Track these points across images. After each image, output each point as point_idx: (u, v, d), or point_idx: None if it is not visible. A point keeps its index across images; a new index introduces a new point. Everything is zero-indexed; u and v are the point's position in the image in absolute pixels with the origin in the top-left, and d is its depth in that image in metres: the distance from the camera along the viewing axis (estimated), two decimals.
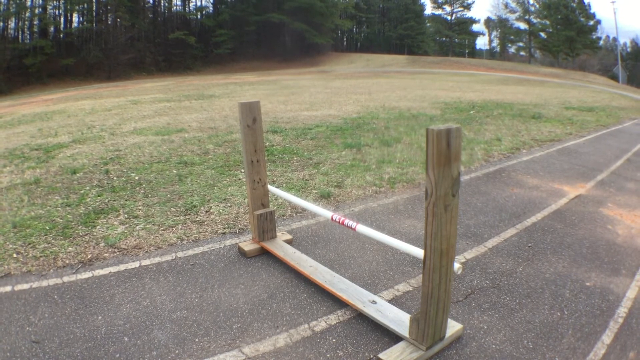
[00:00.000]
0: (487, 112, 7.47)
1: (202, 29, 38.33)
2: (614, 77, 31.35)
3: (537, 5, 42.44)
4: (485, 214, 2.90)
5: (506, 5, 45.60)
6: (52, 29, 32.24)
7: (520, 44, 46.82)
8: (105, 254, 2.27)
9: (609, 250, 2.41)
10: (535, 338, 1.64)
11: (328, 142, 4.78)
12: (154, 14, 37.77)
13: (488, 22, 51.47)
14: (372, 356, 1.54)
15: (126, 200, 3.03)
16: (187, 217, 2.75)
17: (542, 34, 42.36)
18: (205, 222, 2.68)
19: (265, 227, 2.31)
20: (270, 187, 2.34)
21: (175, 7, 39.84)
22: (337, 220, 1.84)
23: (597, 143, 5.42)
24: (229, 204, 2.96)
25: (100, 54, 30.45)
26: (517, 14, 44.88)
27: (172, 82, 19.80)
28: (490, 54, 50.84)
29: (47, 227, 2.58)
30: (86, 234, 2.50)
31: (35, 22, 30.81)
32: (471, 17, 52.67)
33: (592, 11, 39.88)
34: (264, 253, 2.29)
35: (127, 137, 5.14)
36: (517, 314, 1.79)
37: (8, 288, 1.96)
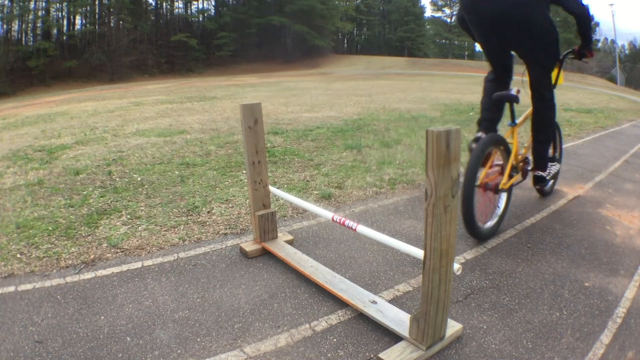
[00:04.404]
0: None
1: (204, 31, 38.50)
2: (612, 79, 31.36)
3: None
4: None
5: None
6: (55, 31, 32.42)
7: None
8: (108, 255, 2.29)
9: (607, 250, 2.42)
10: (534, 338, 1.65)
11: (329, 144, 4.80)
12: (156, 17, 37.95)
13: None
14: (372, 356, 1.55)
15: (129, 201, 3.05)
16: (189, 217, 2.77)
17: None
18: (207, 223, 2.69)
19: (267, 227, 2.33)
20: (272, 188, 2.35)
21: (177, 10, 40.05)
22: (338, 221, 1.85)
23: (595, 144, 5.43)
24: (230, 205, 2.98)
25: (103, 56, 30.60)
26: None
27: (174, 84, 19.86)
28: None
29: (51, 228, 2.60)
30: (89, 235, 2.52)
31: (38, 25, 30.99)
32: None
33: (590, 14, 39.89)
34: (266, 253, 2.30)
35: (130, 139, 5.17)
36: (517, 314, 1.80)
37: (11, 288, 1.98)
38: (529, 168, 2.79)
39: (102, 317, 1.77)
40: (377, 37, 51.39)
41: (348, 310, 1.81)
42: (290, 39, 39.08)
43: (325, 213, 2.00)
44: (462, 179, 1.93)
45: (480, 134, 2.48)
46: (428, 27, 52.26)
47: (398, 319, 1.67)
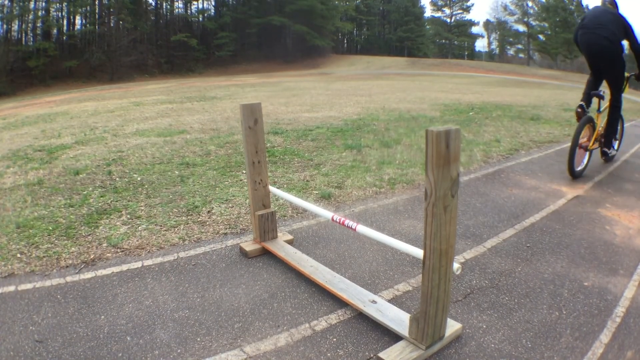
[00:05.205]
0: (486, 113, 7.49)
1: (204, 31, 38.47)
2: None
3: (536, 8, 42.57)
4: (484, 214, 2.92)
5: (505, 8, 45.77)
6: (55, 31, 32.38)
7: (519, 46, 46.95)
8: (108, 254, 2.29)
9: (606, 250, 2.42)
10: (533, 337, 1.66)
11: (329, 144, 4.80)
12: (156, 17, 37.93)
13: (487, 24, 51.59)
14: (372, 355, 1.55)
15: (129, 201, 3.05)
16: (189, 217, 2.77)
17: (541, 36, 42.49)
18: (207, 223, 2.70)
19: (267, 227, 2.33)
20: (272, 188, 2.36)
21: (177, 10, 40.01)
22: (338, 220, 1.86)
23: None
24: (230, 205, 2.98)
25: (103, 56, 30.59)
26: (515, 17, 45.04)
27: (174, 84, 19.87)
28: (489, 56, 50.92)
29: (51, 228, 2.60)
30: (89, 235, 2.52)
31: (38, 25, 30.95)
32: (470, 20, 52.87)
33: None
34: (265, 253, 2.31)
35: (130, 139, 5.17)
36: (516, 314, 1.80)
37: (12, 288, 1.99)
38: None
39: (102, 317, 1.77)
40: (377, 37, 51.35)
41: (348, 310, 1.81)
42: (290, 39, 39.08)
43: (325, 213, 2.00)
44: (461, 178, 1.95)
45: (582, 102, 3.91)
46: (428, 27, 52.20)
47: (398, 319, 1.67)
